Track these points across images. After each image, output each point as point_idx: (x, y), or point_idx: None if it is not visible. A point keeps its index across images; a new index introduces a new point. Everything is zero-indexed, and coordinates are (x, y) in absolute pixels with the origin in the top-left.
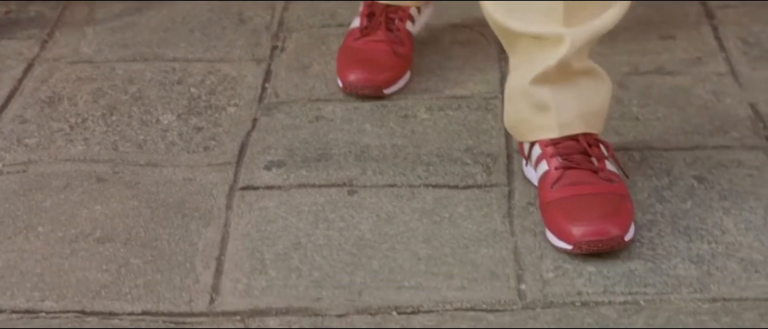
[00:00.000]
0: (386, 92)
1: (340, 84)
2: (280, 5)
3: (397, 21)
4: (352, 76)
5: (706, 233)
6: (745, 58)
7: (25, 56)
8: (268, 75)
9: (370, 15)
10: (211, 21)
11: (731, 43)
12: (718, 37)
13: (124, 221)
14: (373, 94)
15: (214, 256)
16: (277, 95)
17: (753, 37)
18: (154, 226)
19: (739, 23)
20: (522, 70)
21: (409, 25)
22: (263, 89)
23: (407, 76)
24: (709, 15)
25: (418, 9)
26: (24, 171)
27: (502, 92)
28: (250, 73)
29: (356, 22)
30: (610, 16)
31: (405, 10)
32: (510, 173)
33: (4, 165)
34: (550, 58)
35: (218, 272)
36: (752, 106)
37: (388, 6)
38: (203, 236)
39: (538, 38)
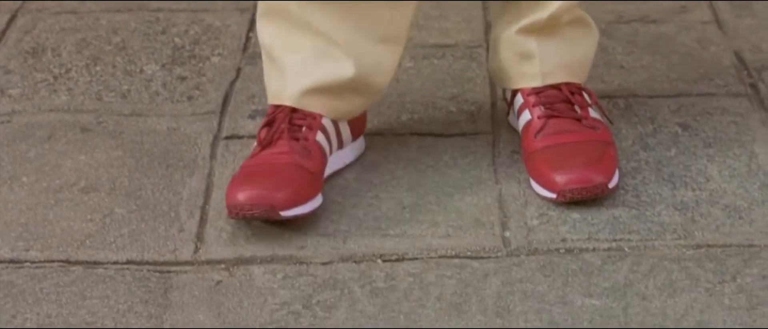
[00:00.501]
0: (284, 214)
1: (226, 211)
2: None
3: (304, 129)
4: (241, 196)
5: (690, 181)
6: (729, 6)
7: (9, 7)
8: (252, 24)
9: (270, 123)
10: None
11: None
12: None
13: (109, 171)
14: (266, 216)
15: (198, 205)
16: None
17: None
18: (139, 176)
19: None
20: (508, 18)
21: (320, 138)
22: (247, 38)
23: (317, 200)
24: None
25: (337, 129)
26: (8, 122)
27: (486, 40)
28: (234, 23)
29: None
30: None
31: (315, 118)
32: (495, 121)
33: None
34: (542, 11)
35: (203, 221)
36: (737, 53)
37: (293, 111)
38: (188, 186)
39: None
